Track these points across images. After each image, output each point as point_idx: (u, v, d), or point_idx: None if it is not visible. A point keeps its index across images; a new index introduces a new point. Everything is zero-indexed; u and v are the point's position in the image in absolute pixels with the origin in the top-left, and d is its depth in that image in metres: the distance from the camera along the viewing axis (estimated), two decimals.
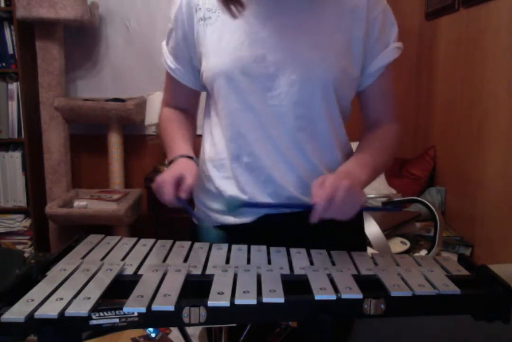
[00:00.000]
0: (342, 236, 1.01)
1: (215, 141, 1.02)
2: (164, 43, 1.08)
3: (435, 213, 1.88)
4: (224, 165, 1.01)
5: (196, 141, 1.07)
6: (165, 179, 0.91)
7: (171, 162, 0.98)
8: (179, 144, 1.04)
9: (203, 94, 1.10)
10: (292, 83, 0.94)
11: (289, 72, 0.94)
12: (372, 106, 1.05)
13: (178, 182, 0.90)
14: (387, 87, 1.04)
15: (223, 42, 0.95)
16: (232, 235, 1.02)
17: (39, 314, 0.65)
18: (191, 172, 0.93)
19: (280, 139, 0.96)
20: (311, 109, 0.96)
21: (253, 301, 0.70)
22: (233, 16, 0.95)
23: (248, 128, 0.97)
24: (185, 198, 0.90)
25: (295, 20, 0.95)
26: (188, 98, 1.11)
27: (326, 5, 0.97)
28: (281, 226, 0.99)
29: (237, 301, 0.70)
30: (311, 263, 0.88)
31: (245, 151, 0.98)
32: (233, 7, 0.95)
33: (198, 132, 1.10)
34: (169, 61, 1.06)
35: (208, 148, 1.05)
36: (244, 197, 0.99)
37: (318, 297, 0.72)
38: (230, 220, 1.02)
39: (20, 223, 2.76)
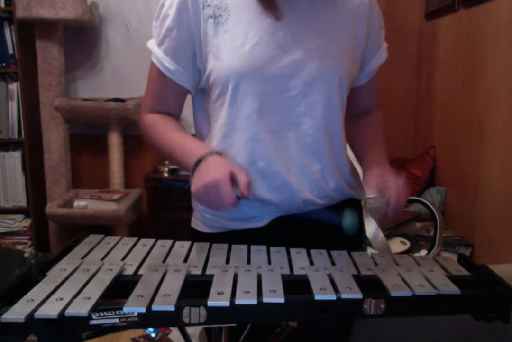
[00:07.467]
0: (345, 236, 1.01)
1: (223, 148, 0.96)
2: (153, 43, 0.98)
3: (435, 213, 1.88)
4: None
5: None
6: (219, 177, 0.80)
7: (199, 161, 0.86)
8: (194, 141, 0.94)
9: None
10: (309, 84, 0.94)
11: (306, 73, 0.93)
12: (363, 101, 1.13)
13: (232, 180, 0.82)
14: (375, 83, 1.11)
15: (237, 42, 0.92)
16: (243, 240, 0.96)
17: (39, 314, 0.65)
18: (237, 167, 0.85)
19: (296, 141, 0.95)
20: (328, 108, 0.96)
21: (253, 301, 0.70)
22: (277, 18, 0.92)
23: (263, 131, 0.94)
24: (248, 196, 0.82)
25: (307, 21, 0.95)
26: (178, 101, 1.02)
27: (335, 6, 0.98)
28: (292, 228, 0.99)
29: (237, 301, 0.70)
30: (311, 263, 0.88)
31: (260, 155, 0.94)
32: (277, 10, 0.92)
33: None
34: (166, 63, 0.96)
35: None
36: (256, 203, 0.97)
37: (318, 297, 0.72)
38: (241, 225, 1.00)
39: (20, 223, 2.76)
